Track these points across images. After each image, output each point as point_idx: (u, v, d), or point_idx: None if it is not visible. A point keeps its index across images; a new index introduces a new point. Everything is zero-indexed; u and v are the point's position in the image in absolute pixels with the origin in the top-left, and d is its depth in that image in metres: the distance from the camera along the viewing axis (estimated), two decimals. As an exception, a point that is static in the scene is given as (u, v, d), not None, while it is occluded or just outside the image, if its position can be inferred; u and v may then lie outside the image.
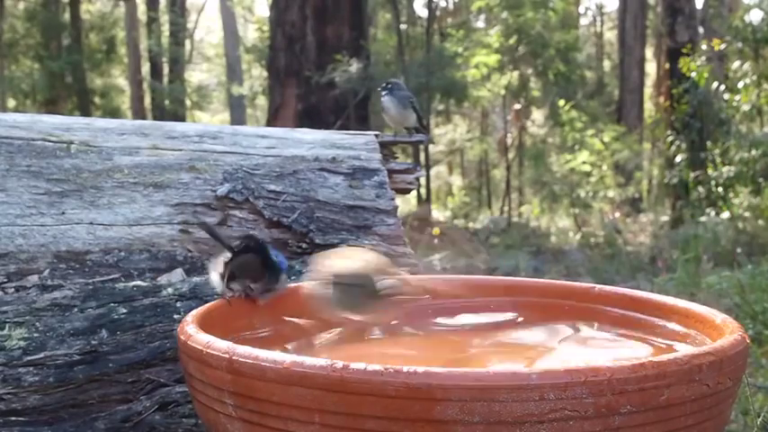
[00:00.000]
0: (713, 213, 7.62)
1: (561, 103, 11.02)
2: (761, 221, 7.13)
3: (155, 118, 12.78)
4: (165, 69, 15.13)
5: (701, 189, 7.91)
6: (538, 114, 13.98)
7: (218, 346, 0.96)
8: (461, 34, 11.72)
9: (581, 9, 18.64)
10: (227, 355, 0.93)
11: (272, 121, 9.46)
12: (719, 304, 3.79)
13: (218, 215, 1.68)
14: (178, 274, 1.58)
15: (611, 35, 18.54)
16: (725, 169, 7.58)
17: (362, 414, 0.84)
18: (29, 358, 1.31)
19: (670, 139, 9.07)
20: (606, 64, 18.12)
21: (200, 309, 1.19)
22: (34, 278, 1.46)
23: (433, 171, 12.71)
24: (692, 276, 4.65)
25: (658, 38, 13.76)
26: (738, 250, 5.86)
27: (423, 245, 6.22)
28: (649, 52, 15.65)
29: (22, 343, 1.32)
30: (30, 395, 1.30)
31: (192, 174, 1.71)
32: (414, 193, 7.13)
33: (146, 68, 14.98)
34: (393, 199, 1.86)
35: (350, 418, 0.84)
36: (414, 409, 0.82)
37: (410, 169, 2.00)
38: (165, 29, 15.19)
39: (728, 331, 1.03)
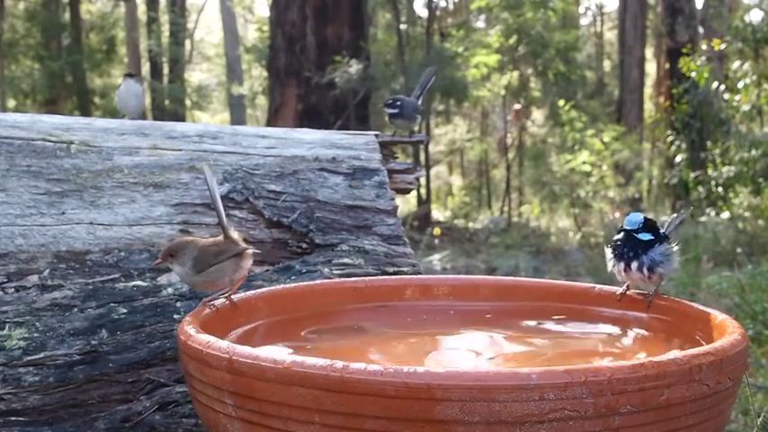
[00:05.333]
0: (713, 213, 7.61)
1: (561, 103, 11.02)
2: (761, 221, 7.12)
3: (155, 118, 12.77)
4: (165, 69, 15.11)
5: (701, 189, 7.91)
6: (538, 114, 13.97)
7: (218, 346, 0.96)
8: (461, 34, 11.71)
9: (581, 9, 18.62)
10: (227, 355, 0.93)
11: (272, 121, 9.45)
12: (719, 304, 3.79)
13: (218, 215, 1.68)
14: (178, 274, 1.58)
15: (611, 35, 18.51)
16: (725, 169, 7.57)
17: (362, 414, 0.84)
18: (29, 358, 1.31)
19: (670, 139, 9.07)
20: (606, 64, 18.10)
21: (199, 309, 1.20)
22: (34, 278, 1.45)
23: (433, 171, 12.69)
24: (692, 276, 4.65)
25: (658, 38, 13.75)
26: (738, 250, 5.86)
27: (423, 245, 6.23)
28: (649, 52, 15.63)
29: (22, 343, 1.32)
30: (30, 395, 1.30)
31: (192, 174, 1.71)
32: (414, 193, 7.12)
33: (146, 68, 14.97)
34: (393, 199, 1.86)
35: (350, 418, 0.84)
36: (414, 409, 0.82)
37: (410, 169, 2.00)
38: (165, 29, 15.16)
39: (728, 331, 1.03)
